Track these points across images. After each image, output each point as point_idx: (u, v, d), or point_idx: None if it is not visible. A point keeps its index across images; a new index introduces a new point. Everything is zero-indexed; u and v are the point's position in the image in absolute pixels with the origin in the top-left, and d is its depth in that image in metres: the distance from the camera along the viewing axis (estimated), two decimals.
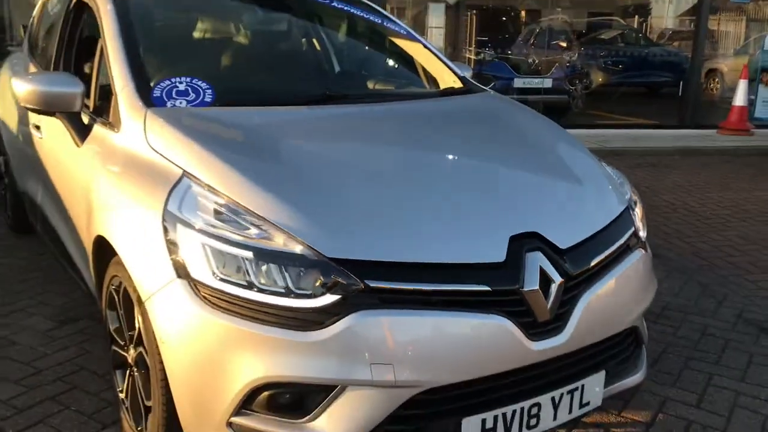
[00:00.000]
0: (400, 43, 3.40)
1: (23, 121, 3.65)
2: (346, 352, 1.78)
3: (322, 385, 1.79)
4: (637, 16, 16.60)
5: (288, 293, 1.81)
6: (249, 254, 1.83)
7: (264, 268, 1.82)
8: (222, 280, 1.84)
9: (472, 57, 10.05)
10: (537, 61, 10.11)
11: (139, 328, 2.10)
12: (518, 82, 9.68)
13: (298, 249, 1.83)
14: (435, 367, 1.82)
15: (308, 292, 1.80)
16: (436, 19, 9.69)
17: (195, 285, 1.86)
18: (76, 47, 3.28)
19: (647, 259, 2.37)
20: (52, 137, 3.06)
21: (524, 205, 2.15)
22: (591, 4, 16.39)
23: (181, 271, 1.88)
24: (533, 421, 2.00)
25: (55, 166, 3.03)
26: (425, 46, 3.36)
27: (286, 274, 1.82)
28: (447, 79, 3.20)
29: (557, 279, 1.97)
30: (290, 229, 1.86)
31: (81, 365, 2.85)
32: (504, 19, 12.73)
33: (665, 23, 17.52)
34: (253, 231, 1.87)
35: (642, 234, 2.41)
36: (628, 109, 10.85)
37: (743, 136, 9.05)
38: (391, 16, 3.48)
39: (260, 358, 1.79)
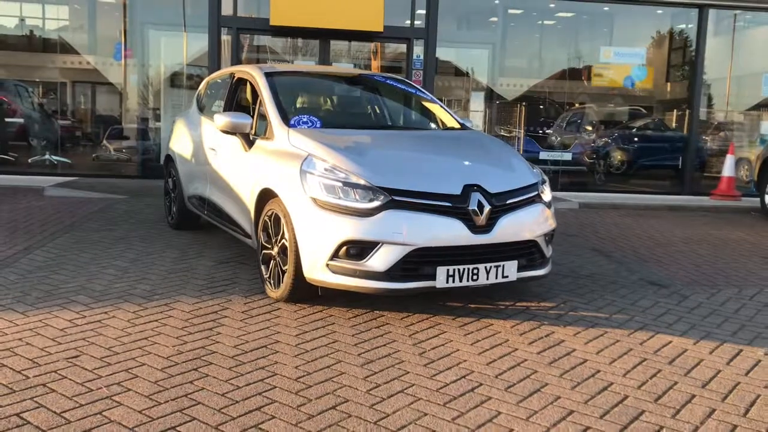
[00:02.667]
0: (425, 103, 5.73)
1: (197, 150, 6.05)
2: (383, 227, 3.92)
3: (370, 242, 3.93)
4: (675, 111, 18.58)
5: (356, 201, 3.98)
6: (339, 184, 4.03)
7: (347, 190, 4.01)
8: (327, 196, 4.03)
9: (506, 135, 12.32)
10: (560, 139, 12.28)
11: (282, 231, 4.29)
12: (543, 155, 11.85)
13: (362, 182, 4.02)
14: (422, 236, 3.94)
15: (366, 200, 3.97)
16: (477, 105, 12.05)
17: (314, 200, 4.07)
18: (236, 102, 5.70)
19: (545, 209, 4.47)
20: (224, 152, 5.41)
21: (474, 171, 4.32)
22: (633, 99, 18.51)
23: (308, 194, 4.09)
24: (475, 277, 4.08)
25: (225, 167, 5.35)
26: (441, 106, 5.66)
27: (356, 194, 4.00)
28: (452, 123, 5.47)
29: (487, 206, 4.10)
30: (358, 174, 4.06)
31: (237, 275, 5.06)
32: (540, 106, 15.03)
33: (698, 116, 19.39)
34: (341, 175, 4.08)
35: (545, 197, 4.52)
36: (645, 183, 12.79)
37: (732, 201, 10.88)
38: (421, 89, 5.81)
39: (344, 229, 3.95)
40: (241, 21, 10.63)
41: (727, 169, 11.10)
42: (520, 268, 4.25)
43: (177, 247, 6.02)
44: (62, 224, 6.91)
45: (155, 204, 8.39)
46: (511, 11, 12.93)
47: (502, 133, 12.56)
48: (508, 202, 4.24)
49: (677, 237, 7.60)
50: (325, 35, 10.69)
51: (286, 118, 4.81)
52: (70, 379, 3.12)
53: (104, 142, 12.63)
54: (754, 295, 5.11)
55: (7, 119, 12.17)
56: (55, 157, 11.79)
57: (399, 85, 5.95)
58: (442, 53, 12.01)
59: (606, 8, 12.63)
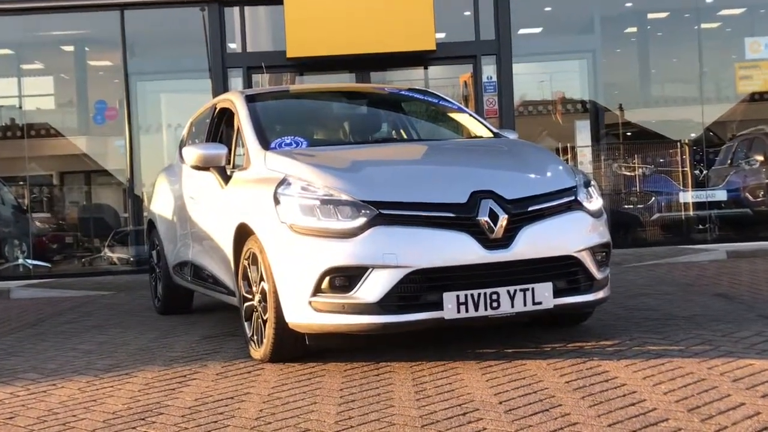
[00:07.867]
0: (452, 114, 6.68)
1: (178, 205, 7.09)
2: (371, 248, 4.70)
3: (357, 267, 4.70)
4: None
5: (338, 221, 4.80)
6: (317, 203, 4.87)
7: (326, 208, 4.84)
8: (305, 219, 4.86)
9: (626, 173, 12.94)
10: (706, 173, 12.77)
11: (261, 273, 5.13)
12: (684, 197, 12.37)
13: (343, 197, 4.85)
14: (419, 256, 4.69)
15: (349, 218, 4.78)
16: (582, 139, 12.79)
17: (291, 227, 4.91)
18: (215, 132, 6.76)
19: (588, 218, 5.14)
20: (203, 198, 6.41)
21: (487, 176, 5.12)
22: None
23: (284, 221, 4.94)
24: (495, 305, 4.76)
25: (205, 212, 6.34)
26: (471, 115, 6.56)
27: (337, 212, 4.82)
28: (482, 132, 6.32)
29: (502, 215, 4.83)
30: (339, 189, 4.89)
31: (221, 345, 5.92)
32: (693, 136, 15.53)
33: None
34: (320, 192, 4.92)
35: (589, 204, 5.19)
36: None
37: None
38: (446, 97, 6.74)
39: (325, 255, 4.75)
40: (250, 58, 11.86)
41: None
42: (557, 293, 4.90)
43: (158, 329, 6.97)
44: (24, 321, 8.02)
45: (148, 296, 9.46)
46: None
47: (624, 172, 13.17)
48: (530, 209, 4.94)
49: None
50: (360, 65, 11.78)
51: (265, 142, 5.76)
52: None
53: (105, 250, 13.41)
54: None
55: None
56: (30, 261, 13.12)
57: (420, 97, 6.99)
58: (530, 69, 12.96)
59: None
